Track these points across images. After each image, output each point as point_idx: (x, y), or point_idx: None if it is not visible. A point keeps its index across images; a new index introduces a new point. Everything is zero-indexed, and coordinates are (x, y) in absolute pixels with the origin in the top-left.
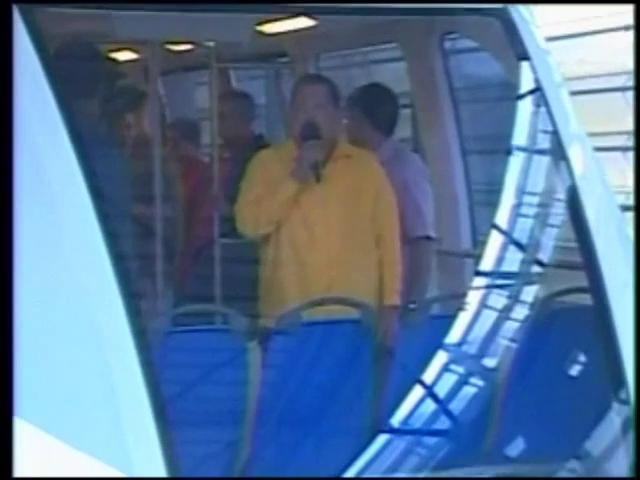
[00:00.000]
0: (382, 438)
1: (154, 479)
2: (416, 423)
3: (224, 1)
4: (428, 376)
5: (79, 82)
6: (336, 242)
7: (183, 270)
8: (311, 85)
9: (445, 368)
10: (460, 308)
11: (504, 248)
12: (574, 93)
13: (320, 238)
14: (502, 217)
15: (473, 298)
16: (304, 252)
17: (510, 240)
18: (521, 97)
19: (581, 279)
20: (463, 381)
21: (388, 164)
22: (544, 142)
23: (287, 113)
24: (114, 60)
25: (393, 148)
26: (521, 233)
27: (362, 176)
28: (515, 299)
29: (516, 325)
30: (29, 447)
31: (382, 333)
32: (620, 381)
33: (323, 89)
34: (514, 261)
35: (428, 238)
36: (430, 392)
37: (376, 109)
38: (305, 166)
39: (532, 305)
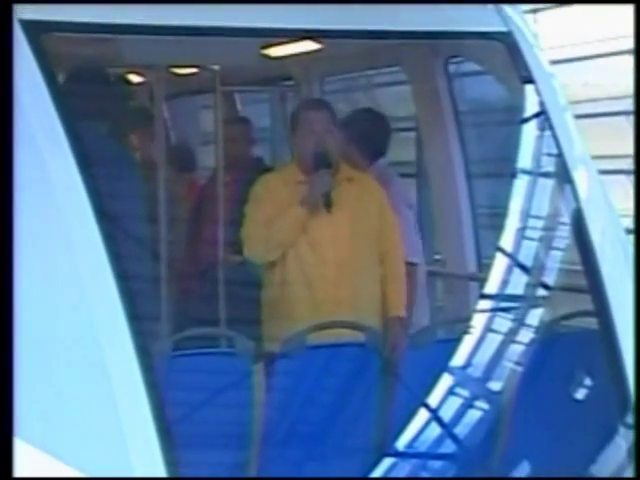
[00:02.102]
0: (387, 461)
1: (154, 479)
2: (421, 446)
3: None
4: (433, 399)
5: (89, 104)
6: (343, 263)
7: (187, 292)
8: (317, 111)
9: (450, 391)
10: (465, 331)
11: (509, 271)
12: (579, 116)
13: (327, 259)
14: (507, 240)
15: (478, 321)
16: (312, 272)
17: (515, 263)
18: (526, 120)
19: (586, 302)
20: (468, 404)
21: None
22: (549, 165)
23: (291, 138)
24: (122, 83)
25: (378, 172)
26: (526, 256)
27: (365, 198)
28: (520, 322)
29: (521, 348)
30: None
31: (389, 346)
32: (626, 405)
33: (328, 114)
34: (519, 284)
35: (411, 264)
36: (435, 415)
37: (364, 134)
38: (317, 196)
39: (537, 328)
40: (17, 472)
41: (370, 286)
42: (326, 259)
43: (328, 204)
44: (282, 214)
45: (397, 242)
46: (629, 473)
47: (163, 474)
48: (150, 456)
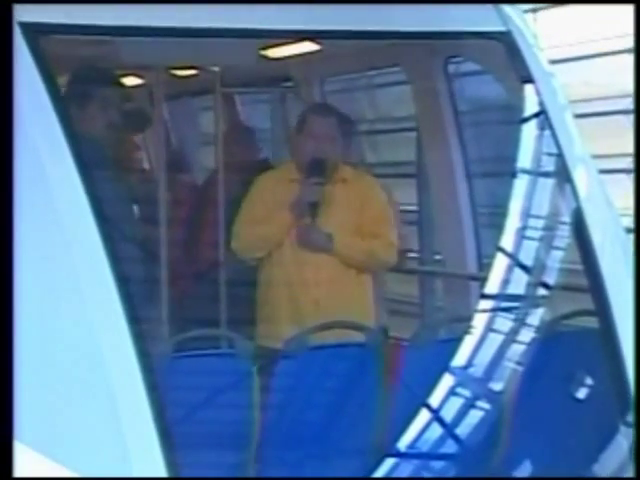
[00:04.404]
0: (388, 462)
1: (154, 479)
2: (422, 447)
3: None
4: (434, 399)
5: (90, 106)
6: (324, 264)
7: (187, 293)
8: (322, 117)
9: (451, 391)
10: (466, 331)
11: (509, 271)
12: (580, 115)
13: (308, 261)
14: (507, 240)
15: (479, 321)
16: (292, 274)
17: (515, 263)
18: (525, 120)
19: (587, 301)
20: (469, 404)
21: None
22: (549, 165)
23: (292, 138)
24: (122, 85)
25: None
26: (526, 256)
27: (357, 199)
28: (521, 322)
29: (522, 348)
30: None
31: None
32: (627, 404)
33: (333, 121)
34: (520, 284)
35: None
36: (436, 415)
37: None
38: (304, 205)
39: (538, 328)
40: (17, 473)
41: (353, 287)
42: (307, 261)
43: (313, 214)
44: (270, 216)
45: (391, 243)
46: (630, 472)
47: (163, 475)
48: (150, 456)
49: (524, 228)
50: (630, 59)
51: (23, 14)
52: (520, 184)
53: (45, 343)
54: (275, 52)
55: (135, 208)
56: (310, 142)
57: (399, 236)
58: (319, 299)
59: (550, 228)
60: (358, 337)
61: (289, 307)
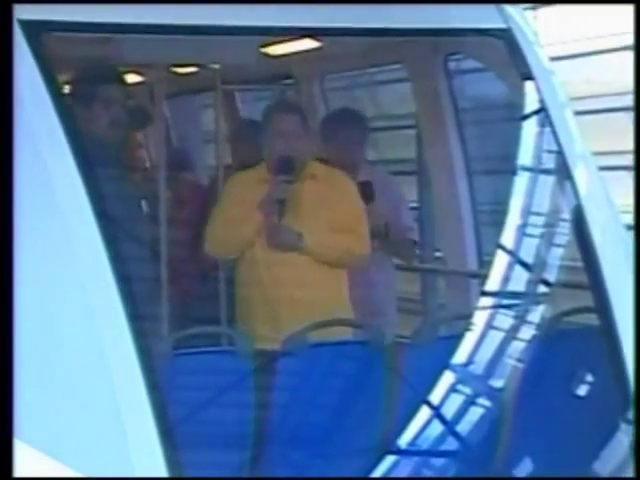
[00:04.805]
0: (389, 459)
1: (154, 479)
2: (424, 444)
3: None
4: (435, 397)
5: (93, 103)
6: (297, 261)
7: (188, 292)
8: (287, 114)
9: (452, 389)
10: (467, 329)
11: (510, 268)
12: (580, 112)
13: (279, 260)
14: (508, 237)
15: (479, 318)
16: (265, 273)
17: (516, 260)
18: (526, 117)
19: (587, 299)
20: (470, 401)
21: None
22: (549, 162)
23: (262, 138)
24: (123, 83)
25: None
26: (527, 253)
27: (327, 194)
28: (521, 319)
29: (523, 345)
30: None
31: None
32: (627, 401)
33: (299, 118)
34: (520, 281)
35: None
36: (437, 413)
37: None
38: (271, 203)
39: (538, 325)
40: (17, 472)
41: (328, 285)
42: (278, 260)
43: (280, 212)
44: (244, 216)
45: (364, 237)
46: (630, 470)
47: (164, 474)
48: (152, 456)
49: (524, 225)
50: (630, 56)
51: (23, 12)
52: (520, 181)
53: (45, 341)
54: (276, 49)
55: (137, 206)
56: (276, 140)
57: (411, 229)
58: (293, 298)
59: (550, 225)
60: (346, 334)
61: (264, 307)
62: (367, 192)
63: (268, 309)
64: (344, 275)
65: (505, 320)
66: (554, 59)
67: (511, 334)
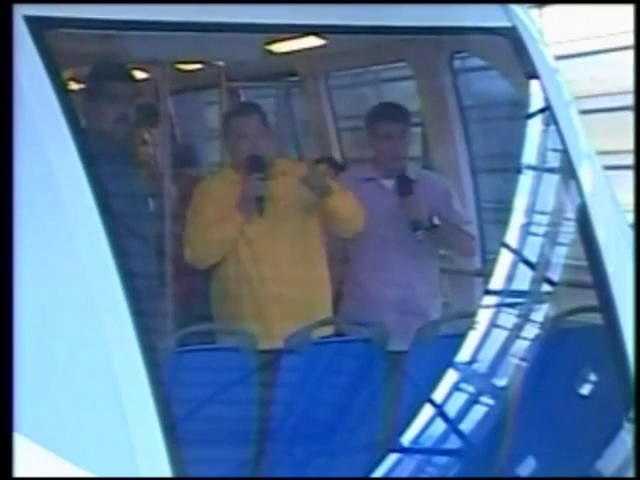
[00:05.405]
0: (392, 457)
1: (155, 479)
2: (427, 442)
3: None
4: (439, 395)
5: (100, 100)
6: (281, 259)
7: (192, 288)
8: (247, 116)
9: (456, 387)
10: (470, 327)
11: (514, 267)
12: (586, 111)
13: (263, 257)
14: (512, 236)
15: (483, 317)
16: (250, 271)
17: (520, 259)
18: (531, 116)
19: (591, 298)
20: (474, 400)
21: None
22: (554, 161)
23: (224, 142)
24: (128, 80)
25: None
26: (531, 252)
27: (300, 189)
28: (525, 318)
29: (526, 344)
30: (33, 466)
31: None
32: (631, 400)
33: (258, 117)
34: (524, 280)
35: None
36: (441, 411)
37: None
38: (250, 201)
39: (542, 324)
40: (19, 470)
41: (313, 281)
42: (261, 257)
43: (260, 209)
44: (221, 217)
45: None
46: (633, 468)
47: (167, 470)
48: (155, 453)
49: (529, 224)
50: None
51: (28, 8)
52: (525, 180)
53: (49, 337)
54: (280, 47)
55: (141, 202)
56: (241, 142)
57: (467, 223)
58: (280, 294)
59: (555, 224)
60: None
61: (251, 303)
62: (404, 186)
63: (256, 306)
64: (327, 273)
65: (509, 319)
66: (559, 57)
67: (515, 333)
